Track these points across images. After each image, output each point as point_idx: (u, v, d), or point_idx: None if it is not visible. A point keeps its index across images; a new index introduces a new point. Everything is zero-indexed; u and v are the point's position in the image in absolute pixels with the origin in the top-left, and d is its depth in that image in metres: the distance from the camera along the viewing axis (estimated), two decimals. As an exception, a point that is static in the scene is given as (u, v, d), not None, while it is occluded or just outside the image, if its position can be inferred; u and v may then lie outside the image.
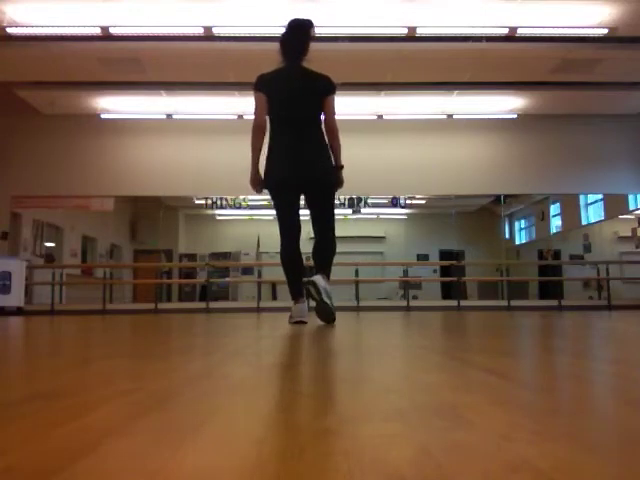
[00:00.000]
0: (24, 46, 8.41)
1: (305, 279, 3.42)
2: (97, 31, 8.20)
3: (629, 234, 12.59)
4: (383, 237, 14.48)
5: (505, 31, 8.31)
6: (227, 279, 13.22)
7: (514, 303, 10.19)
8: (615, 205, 12.54)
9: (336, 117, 3.46)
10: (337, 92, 3.56)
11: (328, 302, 3.22)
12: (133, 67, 9.22)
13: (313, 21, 3.51)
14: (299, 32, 3.49)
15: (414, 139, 11.51)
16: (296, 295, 3.40)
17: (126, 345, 1.91)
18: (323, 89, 3.44)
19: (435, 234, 13.97)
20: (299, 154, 3.40)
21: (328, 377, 1.02)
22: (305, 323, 3.27)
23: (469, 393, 0.79)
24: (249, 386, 0.90)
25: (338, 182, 3.48)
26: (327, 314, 3.22)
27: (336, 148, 3.45)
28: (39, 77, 9.49)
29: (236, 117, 10.95)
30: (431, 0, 7.65)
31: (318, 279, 3.28)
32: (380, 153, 11.25)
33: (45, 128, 11.30)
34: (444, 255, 12.94)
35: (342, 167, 3.48)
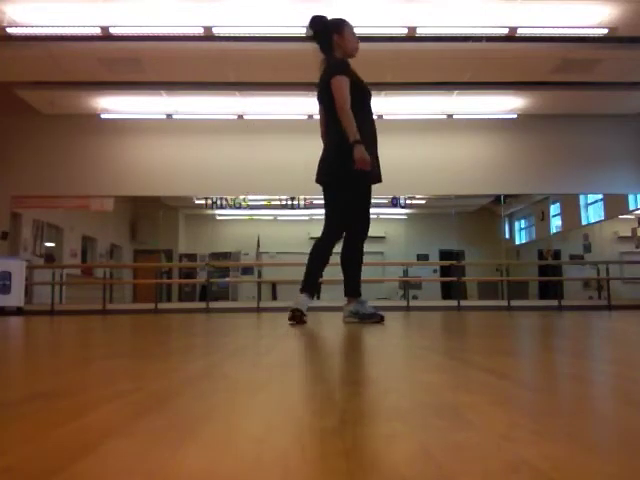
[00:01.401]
0: (24, 46, 8.41)
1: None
2: (97, 31, 8.20)
3: (629, 234, 12.59)
4: (383, 237, 14.47)
5: (505, 31, 8.31)
6: (227, 279, 13.22)
7: (514, 303, 10.20)
8: (615, 205, 12.54)
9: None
10: None
11: (357, 320, 3.35)
12: (133, 67, 9.22)
13: (319, 17, 3.57)
14: (312, 30, 3.58)
15: (414, 139, 11.51)
16: (303, 285, 3.43)
17: (126, 345, 1.91)
18: (327, 77, 3.44)
19: (435, 234, 13.96)
20: (322, 153, 3.53)
21: (328, 377, 1.02)
22: (302, 322, 3.27)
23: (469, 393, 0.79)
24: (249, 386, 0.90)
25: (355, 160, 3.23)
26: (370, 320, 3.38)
27: (342, 125, 3.29)
28: (39, 77, 9.49)
29: (236, 117, 10.95)
30: (431, 0, 7.65)
31: (344, 314, 3.45)
32: (380, 153, 11.24)
33: (45, 128, 11.30)
34: (444, 255, 12.94)
35: (356, 142, 3.23)
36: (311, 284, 3.43)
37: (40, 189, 11.23)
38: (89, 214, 12.41)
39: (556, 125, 11.54)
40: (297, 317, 3.29)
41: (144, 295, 12.72)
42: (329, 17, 3.60)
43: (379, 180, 3.59)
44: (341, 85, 3.35)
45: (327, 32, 3.54)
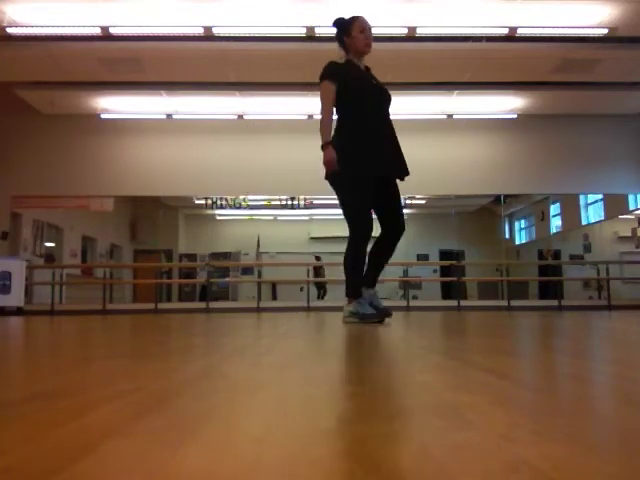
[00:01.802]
0: (24, 46, 8.41)
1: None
2: (97, 31, 8.20)
3: (629, 234, 12.60)
4: (383, 237, 14.47)
5: (505, 31, 8.31)
6: (227, 279, 13.21)
7: (514, 303, 10.20)
8: (615, 205, 12.55)
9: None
10: None
11: (356, 320, 3.33)
12: (133, 67, 9.22)
13: (335, 20, 3.63)
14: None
15: (414, 139, 11.47)
16: (346, 292, 3.51)
17: (126, 345, 1.91)
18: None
19: (435, 234, 13.97)
20: None
21: (328, 377, 1.02)
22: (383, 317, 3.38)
23: (469, 393, 0.79)
24: (248, 386, 0.90)
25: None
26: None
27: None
28: (39, 77, 9.49)
29: (236, 117, 10.94)
30: (431, 0, 7.65)
31: (344, 314, 3.46)
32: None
33: (45, 128, 11.30)
34: (444, 255, 12.94)
35: (322, 146, 3.42)
36: (353, 289, 3.44)
37: (40, 189, 11.23)
38: (89, 214, 12.42)
39: (556, 125, 11.54)
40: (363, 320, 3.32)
41: (144, 295, 12.72)
42: (346, 17, 3.65)
43: (394, 174, 3.66)
44: (322, 91, 3.49)
45: (340, 34, 3.61)
